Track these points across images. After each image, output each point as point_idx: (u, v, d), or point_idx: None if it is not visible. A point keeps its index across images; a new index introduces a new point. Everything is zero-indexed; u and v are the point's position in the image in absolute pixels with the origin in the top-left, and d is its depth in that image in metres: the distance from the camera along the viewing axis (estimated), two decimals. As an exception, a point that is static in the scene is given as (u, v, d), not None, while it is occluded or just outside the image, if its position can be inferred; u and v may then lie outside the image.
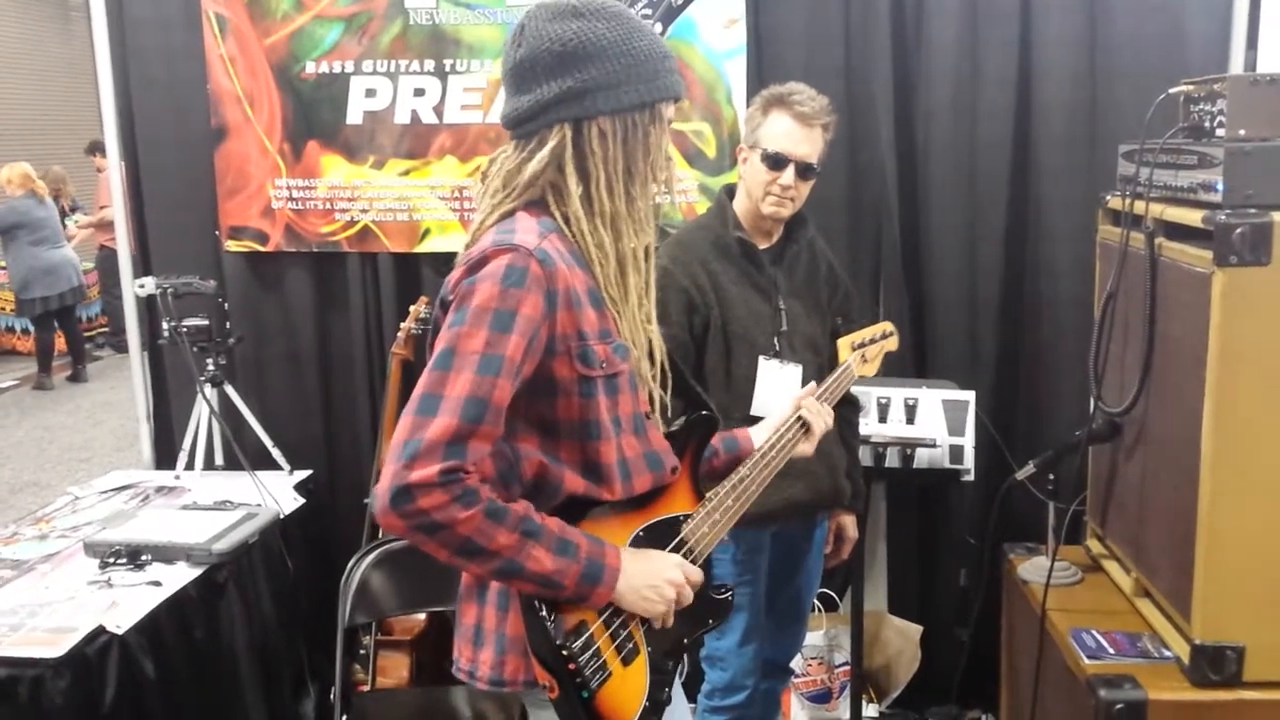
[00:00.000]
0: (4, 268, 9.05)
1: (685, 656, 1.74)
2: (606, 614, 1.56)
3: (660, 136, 1.61)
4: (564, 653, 1.49)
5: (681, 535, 1.68)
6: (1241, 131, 2.08)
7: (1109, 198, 2.61)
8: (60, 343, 9.04)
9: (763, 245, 2.56)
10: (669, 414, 1.74)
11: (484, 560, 1.43)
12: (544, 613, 1.50)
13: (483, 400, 1.42)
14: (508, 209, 1.58)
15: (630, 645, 1.59)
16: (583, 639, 1.52)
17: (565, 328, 1.53)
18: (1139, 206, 2.35)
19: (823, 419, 2.00)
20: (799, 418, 1.95)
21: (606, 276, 1.59)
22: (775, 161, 2.45)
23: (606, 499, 1.60)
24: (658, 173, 1.62)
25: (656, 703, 1.61)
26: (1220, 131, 2.16)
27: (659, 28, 3.18)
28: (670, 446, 1.72)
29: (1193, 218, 2.13)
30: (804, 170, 2.46)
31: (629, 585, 1.54)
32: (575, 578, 1.48)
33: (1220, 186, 2.08)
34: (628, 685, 1.57)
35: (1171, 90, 2.31)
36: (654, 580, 1.57)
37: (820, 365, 2.55)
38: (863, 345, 2.36)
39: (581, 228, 1.57)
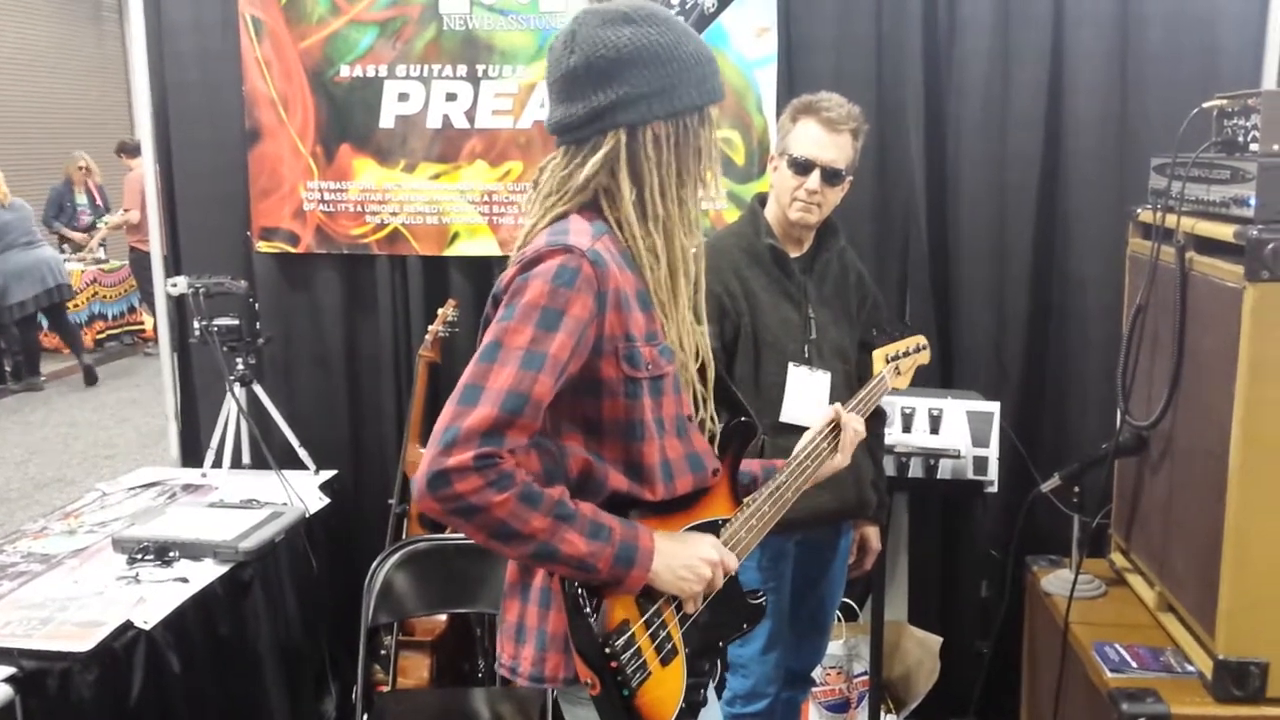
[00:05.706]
0: None
1: (720, 660, 1.75)
2: (648, 614, 1.57)
3: (710, 139, 1.63)
4: (607, 650, 1.51)
5: (721, 539, 1.68)
6: (1275, 146, 2.08)
7: (1140, 211, 2.60)
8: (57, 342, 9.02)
9: (794, 253, 2.56)
10: (713, 418, 1.75)
11: (519, 543, 1.45)
12: (587, 611, 1.51)
13: (523, 394, 1.44)
14: (560, 212, 1.59)
15: (669, 646, 1.60)
16: (625, 638, 1.53)
17: (613, 329, 1.54)
18: (1170, 220, 2.34)
19: (855, 428, 1.99)
20: (833, 425, 1.94)
21: (657, 281, 1.61)
22: (801, 166, 2.46)
23: (648, 499, 1.62)
24: (707, 175, 1.64)
25: (693, 704, 1.63)
26: (1254, 146, 2.16)
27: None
28: (712, 449, 1.73)
29: (1224, 232, 2.12)
30: (830, 176, 2.46)
31: (664, 564, 1.55)
32: (609, 560, 1.50)
33: (1253, 201, 2.07)
34: (666, 685, 1.59)
35: (1205, 104, 2.31)
36: (689, 560, 1.58)
37: (848, 374, 2.55)
38: (897, 358, 2.36)
39: (634, 232, 1.59)
